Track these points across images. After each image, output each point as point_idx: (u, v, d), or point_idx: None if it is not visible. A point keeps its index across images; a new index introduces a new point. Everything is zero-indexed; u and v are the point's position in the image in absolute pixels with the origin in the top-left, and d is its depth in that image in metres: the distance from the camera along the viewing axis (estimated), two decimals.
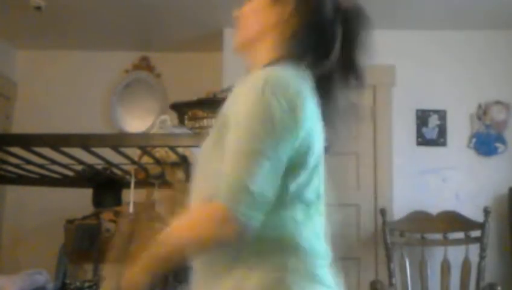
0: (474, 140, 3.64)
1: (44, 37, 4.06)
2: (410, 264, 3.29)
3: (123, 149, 2.07)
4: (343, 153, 3.45)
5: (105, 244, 3.49)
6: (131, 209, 2.28)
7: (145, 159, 2.20)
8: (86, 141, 1.98)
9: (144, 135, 2.87)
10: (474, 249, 3.27)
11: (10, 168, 2.50)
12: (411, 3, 3.40)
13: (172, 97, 3.21)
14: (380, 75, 3.56)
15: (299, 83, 1.09)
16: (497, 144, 3.63)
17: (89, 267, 3.66)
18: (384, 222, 3.32)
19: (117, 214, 3.44)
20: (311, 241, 1.09)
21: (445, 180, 3.59)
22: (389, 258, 3.29)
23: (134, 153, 2.21)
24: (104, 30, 3.91)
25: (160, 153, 2.12)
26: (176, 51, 4.13)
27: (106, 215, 3.49)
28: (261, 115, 1.02)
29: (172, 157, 2.11)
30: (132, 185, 2.30)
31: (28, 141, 2.01)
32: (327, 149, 1.22)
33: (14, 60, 4.29)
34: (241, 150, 1.00)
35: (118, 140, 2.16)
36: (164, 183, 2.25)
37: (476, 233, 3.30)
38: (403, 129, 3.66)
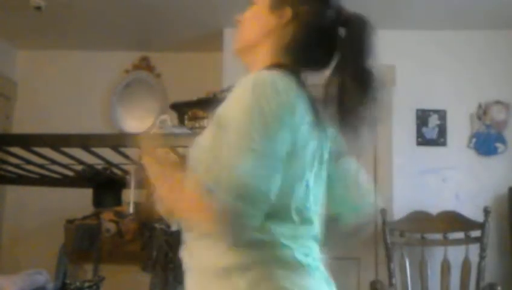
0: (474, 140, 3.64)
1: (44, 37, 4.06)
2: (410, 264, 3.29)
3: (123, 149, 2.07)
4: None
5: (105, 244, 3.51)
6: (131, 209, 2.28)
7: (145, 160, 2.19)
8: (86, 141, 1.98)
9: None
10: (474, 249, 3.27)
11: (10, 168, 2.50)
12: (411, 3, 3.40)
13: (172, 97, 3.21)
14: (380, 75, 3.56)
15: (289, 86, 1.09)
16: (497, 144, 3.63)
17: (89, 267, 3.67)
18: (384, 222, 3.32)
19: (117, 214, 3.45)
20: (299, 238, 1.11)
21: (445, 180, 3.59)
22: (389, 258, 3.29)
23: (134, 153, 2.21)
24: (104, 30, 3.91)
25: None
26: (175, 51, 4.13)
27: (106, 215, 3.50)
28: (250, 112, 1.03)
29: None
30: (132, 185, 2.30)
31: (28, 141, 2.01)
32: (341, 154, 1.25)
33: (14, 60, 4.29)
34: (229, 143, 1.01)
35: (118, 140, 2.16)
36: None
37: (476, 233, 3.29)
38: (403, 129, 3.65)
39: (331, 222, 1.30)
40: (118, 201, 2.95)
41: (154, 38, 4.05)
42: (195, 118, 2.41)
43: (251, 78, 1.08)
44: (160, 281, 2.57)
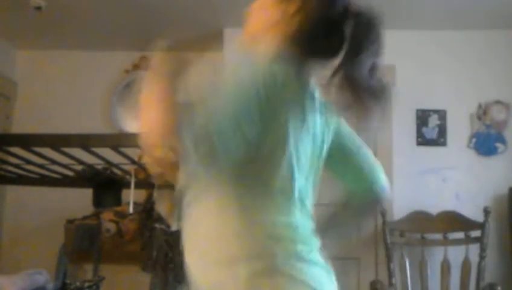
0: (474, 140, 3.64)
1: (44, 37, 4.06)
2: (410, 264, 3.29)
3: (123, 149, 2.07)
4: None
5: (106, 244, 3.51)
6: (131, 209, 2.28)
7: (145, 159, 2.20)
8: (86, 141, 1.98)
9: None
10: (474, 249, 3.27)
11: (10, 168, 2.50)
12: (411, 3, 3.40)
13: None
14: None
15: (284, 70, 1.12)
16: (497, 144, 3.63)
17: (89, 267, 3.67)
18: (384, 222, 3.32)
19: (117, 214, 3.45)
20: (297, 228, 1.14)
21: (445, 180, 3.59)
22: (389, 258, 3.29)
23: (134, 153, 2.21)
24: (104, 30, 3.91)
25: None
26: (175, 51, 4.12)
27: (106, 215, 3.50)
28: (233, 77, 1.12)
29: (172, 157, 2.11)
30: (132, 185, 2.30)
31: (28, 141, 2.01)
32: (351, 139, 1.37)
33: (14, 60, 4.29)
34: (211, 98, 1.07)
35: (118, 140, 2.15)
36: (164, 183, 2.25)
37: (476, 233, 3.30)
38: (403, 129, 3.66)
39: (348, 199, 1.42)
40: (118, 201, 2.95)
41: (154, 38, 4.04)
42: None
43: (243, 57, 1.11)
44: (160, 281, 2.57)
